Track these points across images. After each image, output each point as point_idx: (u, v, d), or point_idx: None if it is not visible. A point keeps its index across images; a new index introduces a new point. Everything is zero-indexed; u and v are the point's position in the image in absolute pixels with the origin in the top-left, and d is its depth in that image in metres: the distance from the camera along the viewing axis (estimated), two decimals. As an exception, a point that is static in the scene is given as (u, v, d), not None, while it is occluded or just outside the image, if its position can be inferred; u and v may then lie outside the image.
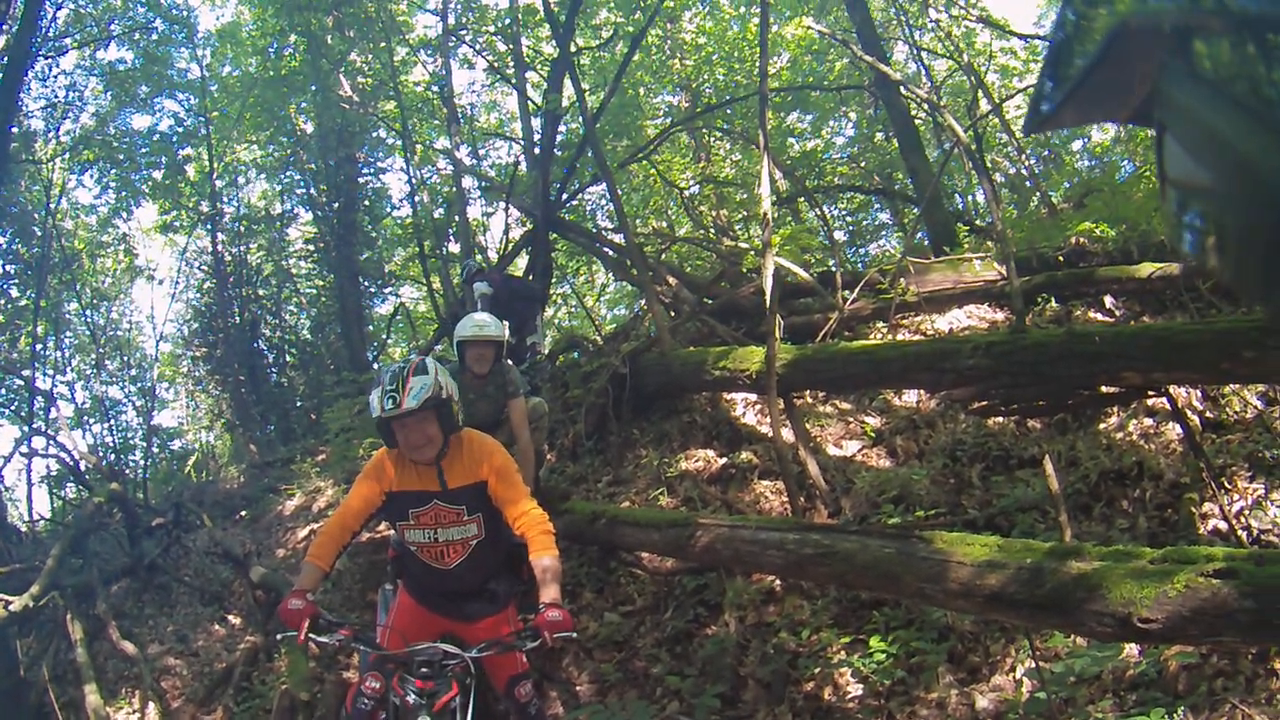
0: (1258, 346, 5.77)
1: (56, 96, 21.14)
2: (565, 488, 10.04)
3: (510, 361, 8.77)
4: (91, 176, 23.26)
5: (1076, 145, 27.51)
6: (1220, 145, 0.80)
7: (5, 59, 14.93)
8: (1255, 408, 8.32)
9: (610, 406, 11.19)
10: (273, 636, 9.81)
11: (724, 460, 10.26)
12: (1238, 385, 8.18)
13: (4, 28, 15.09)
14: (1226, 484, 7.34)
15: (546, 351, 11.64)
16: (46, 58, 19.44)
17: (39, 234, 21.15)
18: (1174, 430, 8.24)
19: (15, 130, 16.97)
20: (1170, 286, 10.18)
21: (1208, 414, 8.46)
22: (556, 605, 4.91)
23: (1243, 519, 6.99)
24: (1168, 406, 7.54)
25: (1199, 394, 8.58)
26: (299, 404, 23.46)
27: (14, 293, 21.39)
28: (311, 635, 4.73)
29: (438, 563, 5.39)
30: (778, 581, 7.81)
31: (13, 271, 21.19)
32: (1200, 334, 6.22)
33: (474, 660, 4.95)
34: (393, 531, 5.15)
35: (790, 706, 6.66)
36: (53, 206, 21.55)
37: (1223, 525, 6.88)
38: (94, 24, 21.19)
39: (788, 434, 9.12)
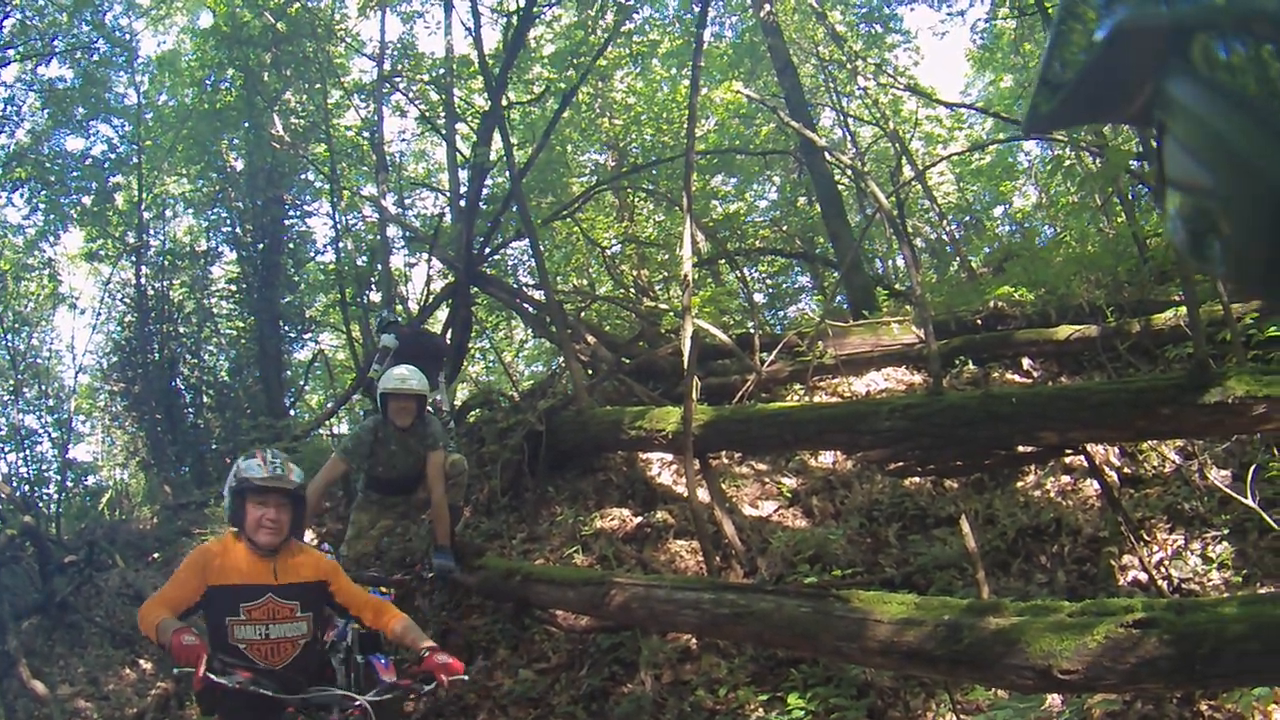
0: (1175, 403, 5.88)
1: (-6, 110, 20.83)
2: (480, 543, 9.94)
3: (432, 413, 8.76)
4: (21, 195, 22.75)
5: (998, 211, 28.08)
6: (1220, 145, 0.80)
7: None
8: (1173, 462, 8.45)
9: (526, 463, 11.10)
10: (185, 683, 9.59)
11: (640, 519, 10.21)
12: (1156, 441, 8.27)
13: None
14: (1146, 536, 7.46)
15: (447, 409, 11.50)
16: (-11, 67, 19.12)
17: (-36, 252, 20.72)
18: (1092, 486, 8.36)
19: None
20: (1088, 347, 10.40)
21: (1125, 470, 8.61)
22: (439, 650, 5.06)
23: (1163, 569, 7.09)
24: (1085, 464, 7.62)
25: (1117, 450, 8.69)
26: (214, 446, 22.81)
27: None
28: (209, 674, 4.56)
29: (266, 661, 5.17)
30: (694, 639, 7.74)
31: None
32: (1117, 393, 6.32)
33: (373, 705, 4.87)
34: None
35: (708, 765, 6.58)
36: (-20, 225, 21.20)
37: (1143, 576, 6.99)
38: (38, 38, 20.78)
39: (704, 494, 9.09)
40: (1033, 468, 8.93)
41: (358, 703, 4.88)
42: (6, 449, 22.13)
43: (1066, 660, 3.71)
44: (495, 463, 11.40)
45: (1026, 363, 11.07)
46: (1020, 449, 7.34)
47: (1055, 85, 0.98)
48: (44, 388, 24.77)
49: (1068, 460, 8.60)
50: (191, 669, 4.47)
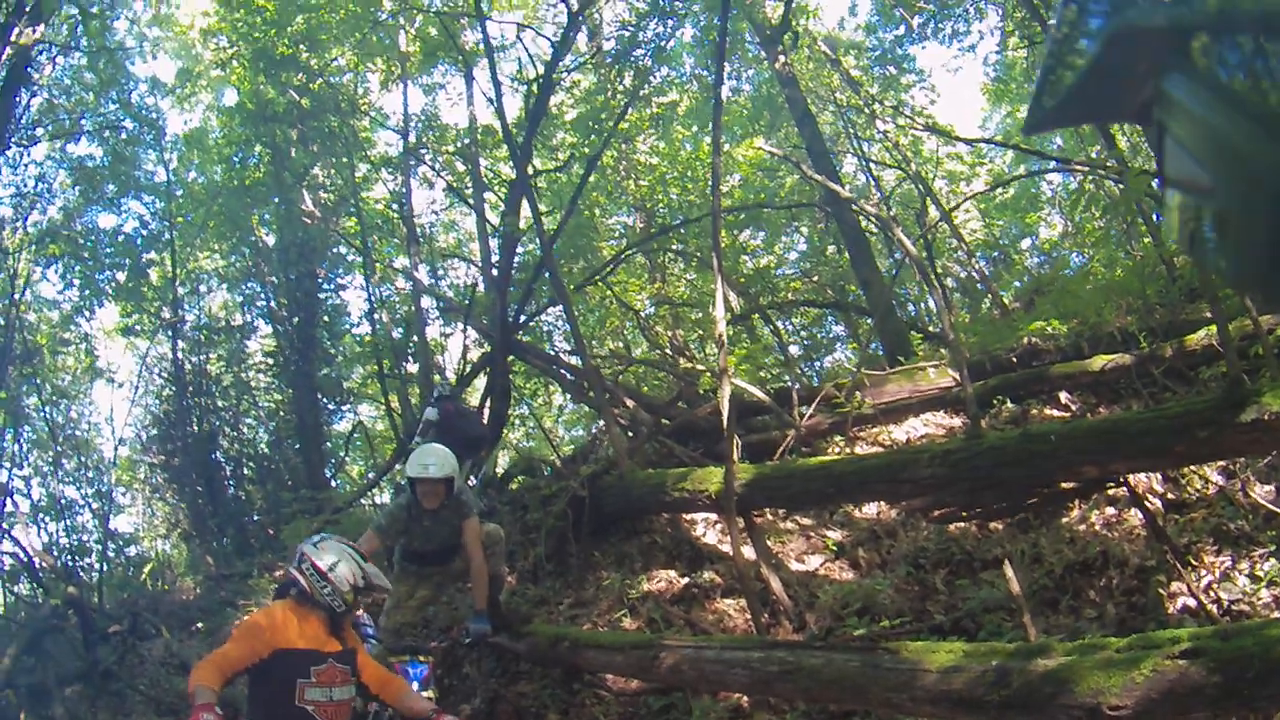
0: (1212, 425, 5.81)
1: (25, 186, 20.98)
2: (527, 610, 9.93)
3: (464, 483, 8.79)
4: (56, 271, 22.94)
5: (1025, 243, 28.10)
6: (1220, 145, 0.80)
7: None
8: (1215, 483, 8.34)
9: (570, 529, 11.07)
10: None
11: (686, 580, 10.15)
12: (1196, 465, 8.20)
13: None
14: (1193, 560, 7.36)
15: (478, 490, 11.47)
16: (18, 145, 19.35)
17: (1, 323, 20.85)
18: (1136, 516, 8.24)
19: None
20: (1123, 376, 10.39)
21: (1169, 495, 8.50)
22: (443, 712, 5.54)
23: (1212, 592, 6.98)
24: (1128, 494, 7.54)
25: (1159, 477, 8.60)
26: (256, 518, 22.91)
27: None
28: None
29: None
30: (745, 698, 7.69)
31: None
32: (1154, 421, 6.26)
33: None
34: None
35: (763, 825, 6.51)
36: (16, 297, 21.27)
37: (1192, 602, 6.88)
38: (66, 116, 21.05)
39: (749, 552, 9.06)
40: (1076, 502, 8.86)
41: None
42: (47, 519, 22.24)
43: (1115, 696, 3.68)
44: (539, 529, 11.37)
45: (1064, 396, 11.02)
46: (1062, 485, 7.30)
47: (1056, 84, 0.99)
48: (83, 460, 24.85)
49: (1111, 491, 8.53)
50: None
